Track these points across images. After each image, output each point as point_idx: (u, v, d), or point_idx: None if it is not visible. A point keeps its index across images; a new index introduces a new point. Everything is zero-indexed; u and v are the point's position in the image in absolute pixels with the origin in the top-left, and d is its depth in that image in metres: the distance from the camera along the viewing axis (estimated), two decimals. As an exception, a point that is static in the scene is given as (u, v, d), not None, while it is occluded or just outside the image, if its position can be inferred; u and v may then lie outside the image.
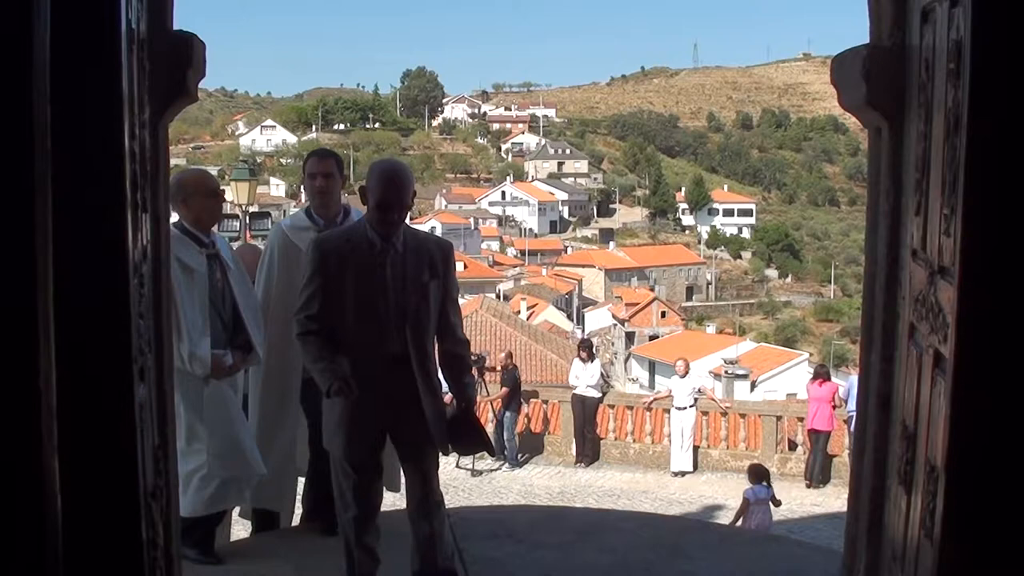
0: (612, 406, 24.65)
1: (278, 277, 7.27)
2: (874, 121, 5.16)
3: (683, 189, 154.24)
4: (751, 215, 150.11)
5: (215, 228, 7.17)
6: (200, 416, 6.57)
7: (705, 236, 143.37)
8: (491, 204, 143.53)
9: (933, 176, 4.13)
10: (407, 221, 6.25)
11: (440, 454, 6.14)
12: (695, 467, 23.23)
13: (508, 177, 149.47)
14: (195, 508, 6.50)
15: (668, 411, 23.70)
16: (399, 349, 5.83)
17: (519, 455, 23.38)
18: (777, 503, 15.66)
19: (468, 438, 6.18)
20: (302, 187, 7.14)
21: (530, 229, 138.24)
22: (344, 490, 6.03)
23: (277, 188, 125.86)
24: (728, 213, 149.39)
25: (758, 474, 15.86)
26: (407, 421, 5.92)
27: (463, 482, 20.99)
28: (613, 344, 79.27)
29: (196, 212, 6.76)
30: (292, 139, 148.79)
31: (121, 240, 3.32)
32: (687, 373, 23.83)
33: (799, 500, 18.08)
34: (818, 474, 21.49)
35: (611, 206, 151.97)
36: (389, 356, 5.83)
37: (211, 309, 6.65)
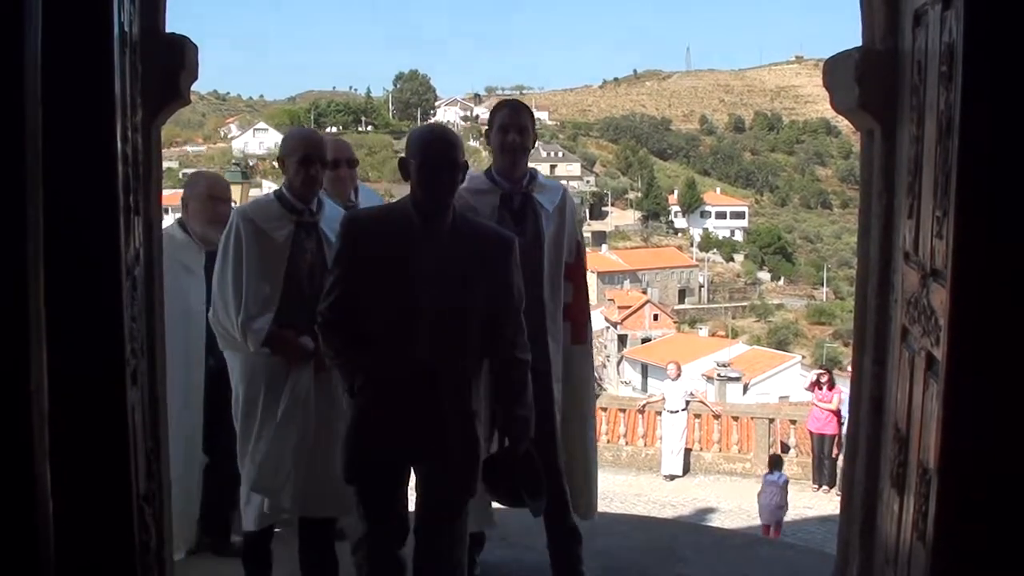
0: (605, 409, 24.66)
1: None
2: (866, 124, 5.16)
3: (676, 192, 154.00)
4: (744, 218, 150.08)
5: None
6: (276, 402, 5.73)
7: (698, 239, 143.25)
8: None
9: (925, 179, 4.14)
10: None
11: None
12: (686, 471, 23.25)
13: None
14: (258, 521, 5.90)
15: (660, 414, 23.71)
16: (426, 357, 4.82)
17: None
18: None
19: (507, 484, 5.16)
20: (485, 139, 6.15)
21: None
22: (359, 532, 5.30)
23: (269, 191, 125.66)
24: (721, 216, 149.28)
25: (772, 462, 18.87)
26: (429, 453, 4.96)
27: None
28: (606, 347, 79.30)
29: (290, 178, 5.97)
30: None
31: (113, 243, 3.32)
32: (679, 376, 23.83)
33: (793, 503, 18.07)
34: (828, 477, 21.47)
35: (604, 209, 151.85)
36: (415, 365, 4.84)
37: (289, 283, 5.72)
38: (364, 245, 4.90)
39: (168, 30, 4.74)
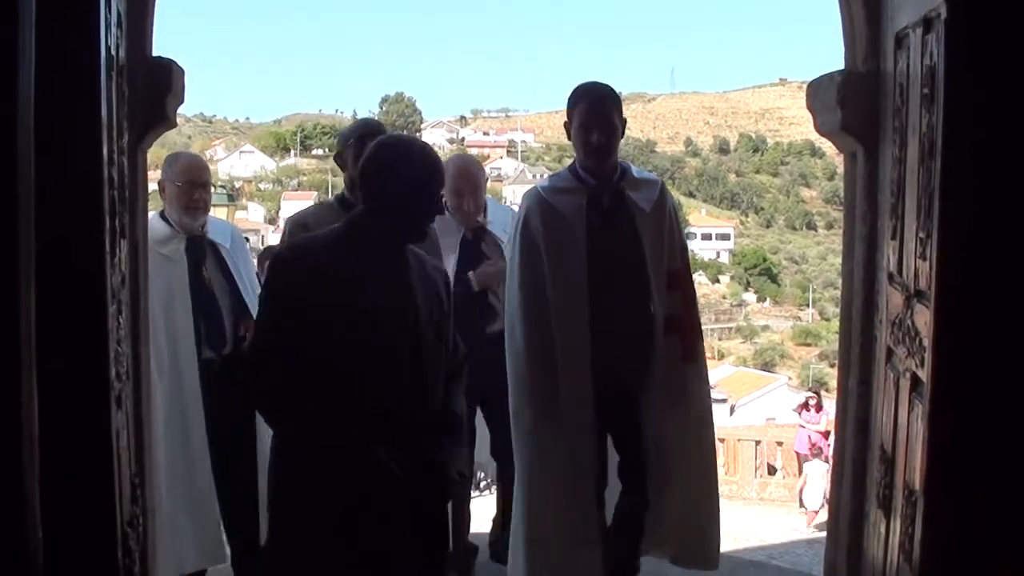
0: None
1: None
2: (849, 146, 5.18)
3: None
4: (729, 239, 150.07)
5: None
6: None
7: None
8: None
9: (908, 200, 4.15)
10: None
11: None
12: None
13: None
14: None
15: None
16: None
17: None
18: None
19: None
20: (565, 133, 5.32)
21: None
22: None
23: (255, 213, 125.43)
24: (706, 237, 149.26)
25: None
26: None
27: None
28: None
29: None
30: (271, 164, 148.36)
31: (99, 267, 3.31)
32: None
33: (780, 525, 18.04)
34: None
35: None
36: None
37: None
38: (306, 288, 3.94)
39: (155, 53, 4.76)
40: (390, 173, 4.00)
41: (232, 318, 6.03)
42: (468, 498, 6.34)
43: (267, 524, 4.21)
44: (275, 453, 4.11)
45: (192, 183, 6.12)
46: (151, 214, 6.09)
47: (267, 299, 4.02)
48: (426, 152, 4.13)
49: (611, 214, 5.30)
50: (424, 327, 4.06)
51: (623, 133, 5.32)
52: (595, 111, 5.23)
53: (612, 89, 5.39)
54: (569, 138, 5.32)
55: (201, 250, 6.08)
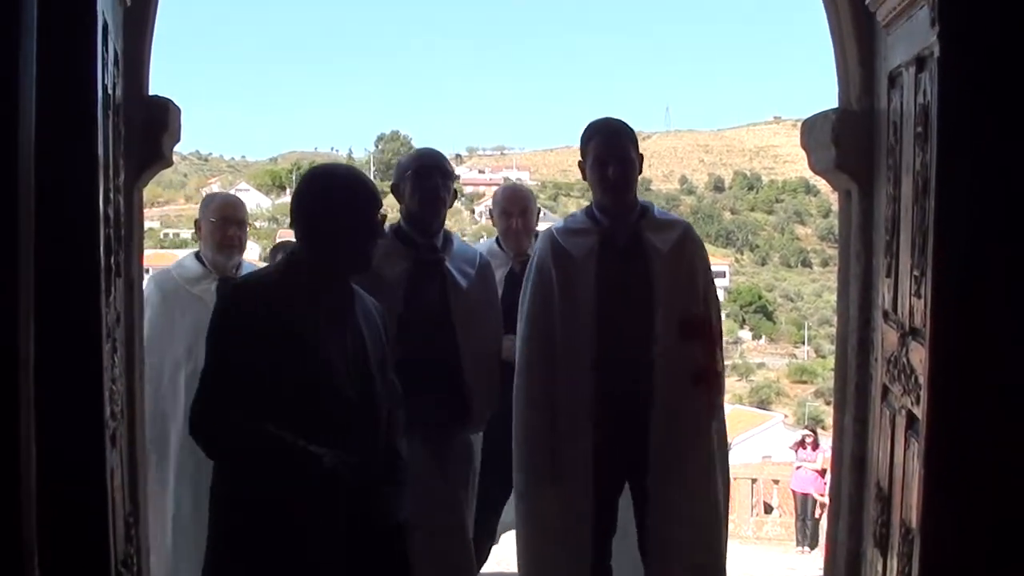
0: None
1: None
2: (844, 184, 5.20)
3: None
4: (724, 277, 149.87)
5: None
6: None
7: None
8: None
9: (903, 238, 4.16)
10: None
11: None
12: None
13: (482, 239, 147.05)
14: None
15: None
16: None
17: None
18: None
19: None
20: (580, 173, 5.10)
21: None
22: None
23: (251, 252, 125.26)
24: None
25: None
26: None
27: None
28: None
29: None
30: (266, 202, 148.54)
31: (95, 305, 3.31)
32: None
33: (776, 564, 17.95)
34: (811, 537, 21.42)
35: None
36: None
37: None
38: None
39: (151, 92, 4.78)
40: (311, 202, 3.86)
41: None
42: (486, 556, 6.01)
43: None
44: (216, 497, 3.86)
45: (226, 220, 6.05)
46: (186, 253, 6.16)
47: (218, 331, 3.80)
48: (350, 175, 3.98)
49: (626, 255, 5.00)
50: (371, 364, 3.90)
51: (640, 169, 5.06)
52: (610, 144, 5.00)
53: (627, 124, 5.15)
54: (584, 178, 5.11)
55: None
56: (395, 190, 5.11)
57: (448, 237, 5.13)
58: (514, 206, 6.19)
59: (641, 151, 5.10)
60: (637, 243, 5.01)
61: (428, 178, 4.99)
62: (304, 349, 3.71)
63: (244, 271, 5.91)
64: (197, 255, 6.08)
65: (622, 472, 5.10)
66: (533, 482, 5.11)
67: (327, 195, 3.85)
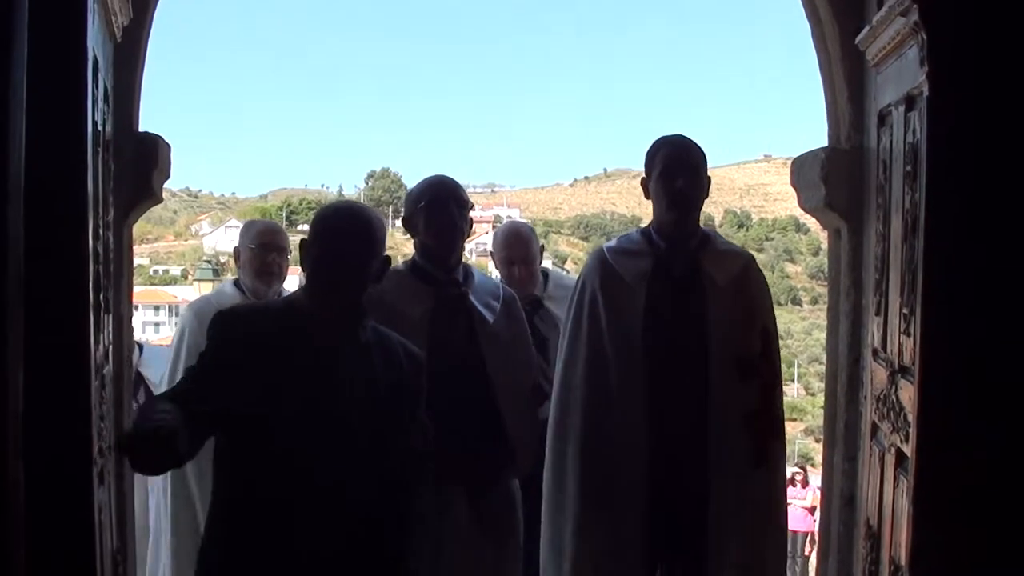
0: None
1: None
2: (833, 222, 5.21)
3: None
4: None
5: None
6: None
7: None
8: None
9: (892, 276, 4.17)
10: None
11: None
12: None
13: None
14: None
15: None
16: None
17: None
18: None
19: None
20: (643, 191, 4.66)
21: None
22: None
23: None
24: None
25: None
26: None
27: None
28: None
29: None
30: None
31: (84, 341, 3.30)
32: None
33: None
34: (799, 574, 21.35)
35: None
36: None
37: None
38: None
39: (141, 128, 4.78)
40: (312, 241, 3.58)
41: None
42: None
43: None
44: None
45: (265, 246, 5.77)
46: (225, 281, 5.94)
47: (199, 356, 3.51)
48: (344, 208, 3.72)
49: (680, 285, 4.53)
50: (374, 414, 3.55)
51: (707, 192, 4.59)
52: (680, 156, 4.52)
53: (696, 143, 4.65)
54: (647, 195, 4.63)
55: None
56: (408, 224, 4.67)
57: (468, 270, 4.68)
58: (516, 253, 5.75)
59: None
60: (694, 273, 4.54)
61: (443, 209, 4.53)
62: (249, 381, 3.35)
63: None
64: (236, 283, 5.90)
65: (676, 527, 4.54)
66: (584, 533, 4.54)
67: (313, 226, 3.68)
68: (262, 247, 5.74)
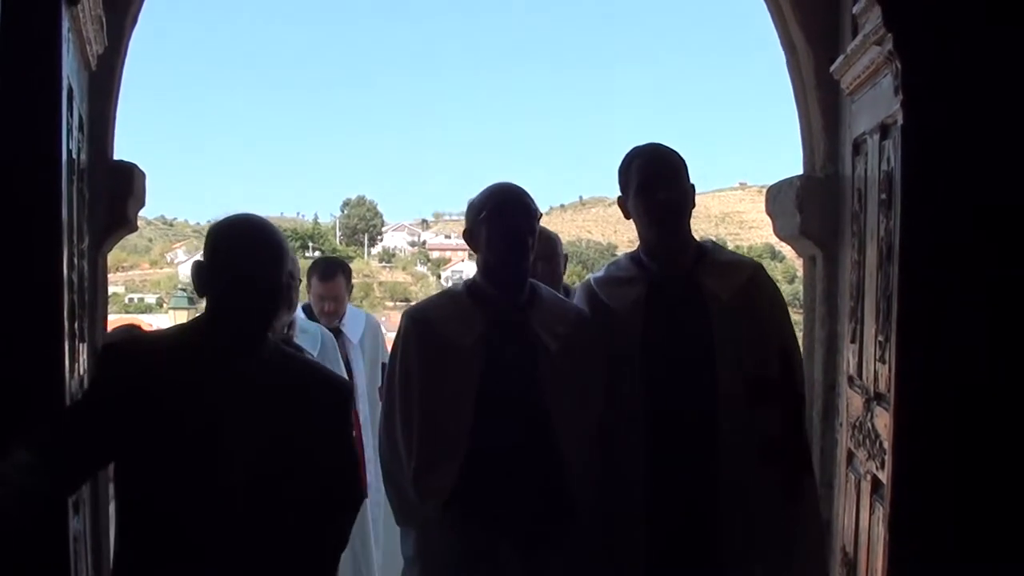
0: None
1: None
2: (808, 250, 5.23)
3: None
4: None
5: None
6: None
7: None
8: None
9: (867, 304, 4.19)
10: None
11: None
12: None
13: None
14: None
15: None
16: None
17: None
18: None
19: None
20: (621, 209, 4.12)
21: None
22: None
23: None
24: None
25: None
26: None
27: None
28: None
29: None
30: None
31: (58, 370, 3.28)
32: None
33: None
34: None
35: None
36: None
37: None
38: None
39: (116, 157, 4.78)
40: (209, 261, 3.09)
41: None
42: None
43: None
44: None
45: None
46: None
47: (84, 393, 3.26)
48: (259, 231, 3.12)
49: (679, 306, 3.99)
50: (252, 481, 2.99)
51: (693, 202, 4.03)
52: (657, 165, 3.99)
53: (674, 150, 4.09)
54: (627, 215, 4.13)
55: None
56: (468, 238, 4.03)
57: (536, 290, 4.01)
58: (540, 250, 4.41)
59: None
60: (693, 291, 3.98)
61: (509, 219, 3.88)
62: (168, 427, 2.93)
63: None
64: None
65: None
66: None
67: (215, 243, 3.11)
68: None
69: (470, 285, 4.04)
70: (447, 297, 4.06)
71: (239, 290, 3.01)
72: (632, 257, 4.17)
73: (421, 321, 3.92)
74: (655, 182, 3.93)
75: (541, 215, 4.02)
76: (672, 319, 3.96)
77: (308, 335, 5.48)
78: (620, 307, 4.01)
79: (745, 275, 4.05)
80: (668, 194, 3.93)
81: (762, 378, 3.92)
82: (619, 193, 4.09)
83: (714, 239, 4.42)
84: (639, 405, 3.91)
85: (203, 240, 3.20)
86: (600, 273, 4.26)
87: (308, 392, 3.15)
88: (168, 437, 2.92)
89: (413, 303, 4.88)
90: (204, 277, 3.05)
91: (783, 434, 3.94)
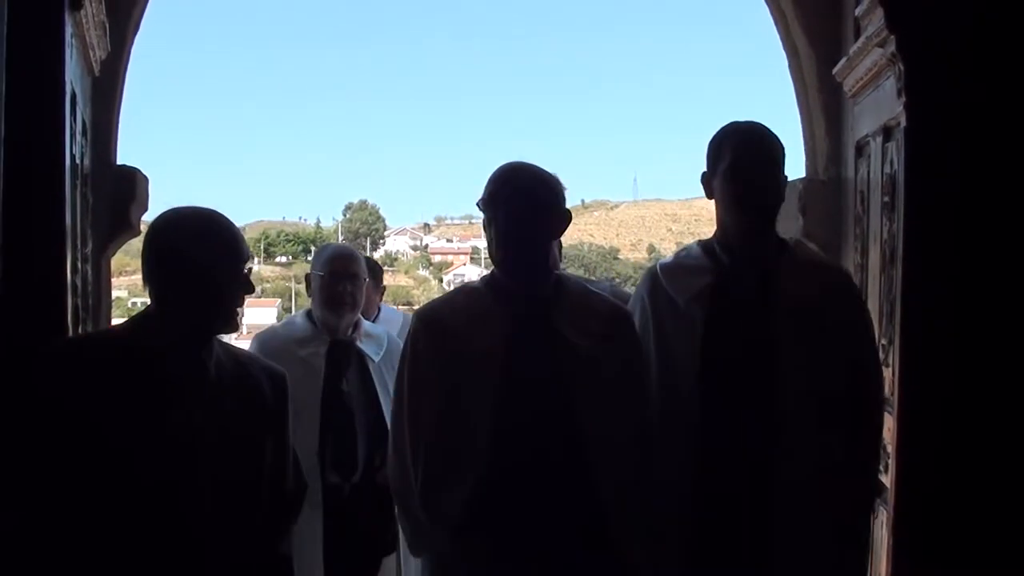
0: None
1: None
2: (811, 253, 5.22)
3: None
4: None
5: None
6: None
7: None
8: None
9: (871, 307, 4.18)
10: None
11: None
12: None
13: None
14: None
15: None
16: None
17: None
18: None
19: None
20: (705, 191, 3.65)
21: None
22: None
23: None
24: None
25: None
26: None
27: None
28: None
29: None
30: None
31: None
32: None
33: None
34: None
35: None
36: None
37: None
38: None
39: (119, 161, 4.78)
40: (150, 250, 2.97)
41: (368, 442, 4.89)
42: None
43: None
44: None
45: (336, 274, 4.96)
46: (300, 310, 5.42)
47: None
48: (219, 224, 3.02)
49: (748, 307, 3.52)
50: (204, 477, 2.91)
51: (783, 196, 3.63)
52: (753, 148, 3.52)
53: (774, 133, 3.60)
54: (709, 195, 3.65)
55: (345, 358, 5.02)
56: (488, 227, 3.55)
57: (562, 281, 3.58)
58: None
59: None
60: (767, 292, 3.52)
61: (523, 201, 3.42)
62: (73, 441, 2.80)
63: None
64: (308, 313, 5.22)
65: None
66: None
67: (168, 237, 3.00)
68: (332, 275, 5.01)
69: (488, 280, 3.59)
70: (463, 294, 3.63)
71: (193, 283, 2.91)
72: (704, 245, 3.69)
73: (433, 322, 3.49)
74: (747, 165, 3.48)
75: (563, 191, 3.50)
76: (738, 320, 3.50)
77: (372, 340, 5.17)
78: (681, 297, 3.57)
79: (829, 280, 3.59)
80: (758, 181, 3.50)
81: (828, 396, 3.44)
82: (704, 171, 3.65)
83: (801, 239, 4.24)
84: (691, 412, 3.49)
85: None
86: (669, 259, 3.82)
87: (257, 381, 3.10)
88: (129, 440, 2.80)
89: (416, 307, 4.78)
90: (153, 268, 2.95)
91: (848, 462, 3.44)
